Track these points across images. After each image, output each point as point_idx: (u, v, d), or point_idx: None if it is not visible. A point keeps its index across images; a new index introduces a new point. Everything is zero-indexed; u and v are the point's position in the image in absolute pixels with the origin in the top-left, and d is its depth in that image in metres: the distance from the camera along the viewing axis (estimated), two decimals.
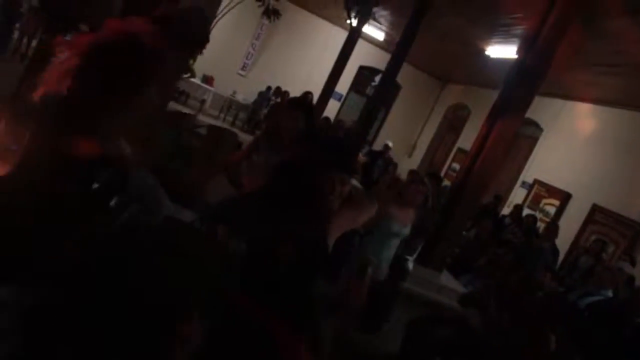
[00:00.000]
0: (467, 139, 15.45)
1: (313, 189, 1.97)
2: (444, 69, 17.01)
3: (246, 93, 15.83)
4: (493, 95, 7.41)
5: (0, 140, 2.64)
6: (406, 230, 4.58)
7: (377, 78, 17.56)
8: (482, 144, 6.52)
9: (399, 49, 10.69)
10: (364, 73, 17.81)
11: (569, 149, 11.44)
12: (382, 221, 4.35)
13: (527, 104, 6.56)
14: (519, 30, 8.98)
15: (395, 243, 4.59)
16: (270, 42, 16.56)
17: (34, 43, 10.82)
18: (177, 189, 4.66)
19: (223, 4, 8.90)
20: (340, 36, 14.48)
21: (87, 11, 5.99)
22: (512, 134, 6.81)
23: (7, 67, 10.03)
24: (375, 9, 12.60)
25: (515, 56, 7.30)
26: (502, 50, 10.55)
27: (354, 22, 13.24)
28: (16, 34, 11.54)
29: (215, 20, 8.11)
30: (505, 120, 6.47)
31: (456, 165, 15.48)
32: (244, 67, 16.63)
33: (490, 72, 12.26)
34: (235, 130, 10.64)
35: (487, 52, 11.25)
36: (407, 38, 10.38)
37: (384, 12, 12.97)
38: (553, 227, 9.05)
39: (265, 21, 15.43)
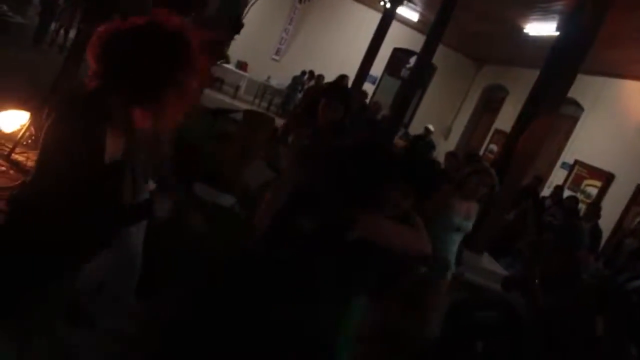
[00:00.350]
0: (505, 120, 15.16)
1: (378, 187, 2.02)
2: (480, 50, 16.67)
3: (280, 78, 15.81)
4: (531, 75, 7.22)
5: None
6: (468, 225, 4.17)
7: (412, 60, 17.32)
8: (523, 125, 6.37)
9: (434, 29, 10.51)
10: (398, 55, 17.58)
11: (612, 128, 11.10)
12: (442, 214, 3.97)
13: (568, 84, 6.38)
14: (559, 6, 8.72)
15: (458, 238, 4.18)
16: (304, 26, 16.48)
17: (71, 34, 11.01)
18: (216, 173, 4.68)
19: None
20: (373, 18, 14.32)
21: (122, 3, 6.06)
22: (553, 114, 6.63)
23: (46, 58, 10.23)
24: None
25: (556, 33, 7.10)
26: (541, 28, 10.28)
27: (388, 4, 13.07)
28: (53, 26, 11.73)
29: (248, 6, 8.10)
30: (546, 100, 6.31)
31: (494, 147, 15.23)
32: (277, 52, 16.61)
33: (528, 51, 11.96)
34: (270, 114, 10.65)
35: (525, 30, 10.98)
36: (442, 18, 10.20)
37: None
38: (595, 208, 8.83)
39: (298, 5, 15.36)
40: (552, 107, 6.39)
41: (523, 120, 6.42)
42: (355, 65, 13.63)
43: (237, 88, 15.13)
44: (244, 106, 12.37)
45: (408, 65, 17.42)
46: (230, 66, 14.76)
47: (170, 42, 1.85)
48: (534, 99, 6.43)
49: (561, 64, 6.24)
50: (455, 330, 4.05)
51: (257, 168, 5.02)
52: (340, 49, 16.29)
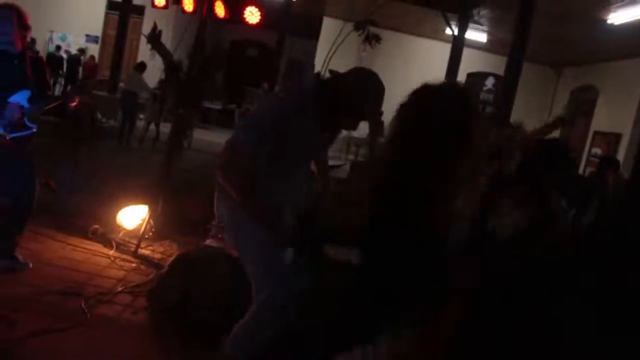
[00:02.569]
0: (602, 120, 14.31)
1: None
2: (557, 54, 15.98)
3: (362, 127, 15.69)
4: (622, 67, 6.66)
5: None
6: None
7: (488, 81, 16.86)
8: None
9: (514, 46, 10.09)
10: (473, 80, 17.17)
11: None
12: None
13: None
14: None
15: None
16: (373, 70, 16.44)
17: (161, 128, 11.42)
18: (338, 231, 4.46)
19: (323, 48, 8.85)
20: (440, 49, 14.11)
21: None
22: None
23: (141, 154, 10.62)
24: (473, 11, 12.16)
25: None
26: (627, 14, 9.67)
27: (455, 30, 12.83)
28: (140, 123, 12.19)
29: (325, 65, 8.07)
30: None
31: (597, 150, 14.32)
32: None
33: (614, 42, 11.29)
34: None
35: (609, 21, 10.38)
36: (520, 32, 9.80)
37: (484, 12, 12.46)
38: None
39: (364, 53, 15.39)
40: None
41: None
42: None
43: None
44: (332, 162, 12.29)
45: (485, 88, 16.97)
46: None
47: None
48: None
49: None
50: None
51: None
52: (413, 84, 16.06)
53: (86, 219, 5.33)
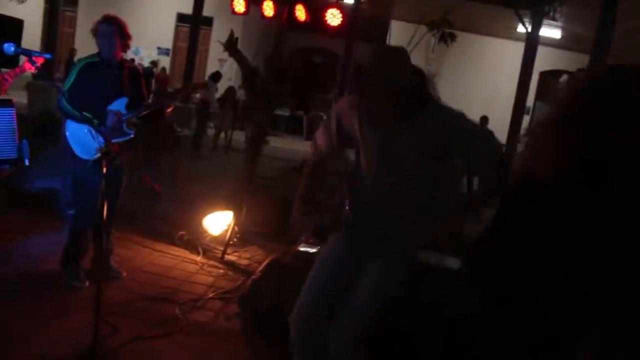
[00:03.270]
0: None
1: None
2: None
3: None
4: None
5: None
6: None
7: (563, 80, 16.25)
8: None
9: (597, 42, 9.62)
10: (547, 78, 16.60)
11: None
12: None
13: None
14: None
15: None
16: (442, 74, 16.18)
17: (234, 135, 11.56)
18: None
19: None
20: (511, 48, 13.70)
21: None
22: None
23: (214, 161, 10.77)
24: (549, 7, 11.72)
25: None
26: None
27: (529, 27, 12.42)
28: (209, 132, 12.39)
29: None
30: None
31: None
32: None
33: None
34: None
35: None
36: (605, 25, 9.33)
37: (561, 7, 11.99)
38: None
39: (432, 55, 15.18)
40: None
41: None
42: (501, 100, 12.97)
43: None
44: None
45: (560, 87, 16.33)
46: None
47: None
48: None
49: None
50: None
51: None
52: (483, 86, 15.73)
53: (171, 225, 5.39)
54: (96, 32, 3.61)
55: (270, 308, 3.67)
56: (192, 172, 8.22)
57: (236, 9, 5.14)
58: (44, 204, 5.31)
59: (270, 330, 3.54)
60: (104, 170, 2.56)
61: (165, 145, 6.31)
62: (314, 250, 3.69)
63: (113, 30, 3.60)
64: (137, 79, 3.82)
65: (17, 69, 3.23)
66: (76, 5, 18.19)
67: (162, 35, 18.27)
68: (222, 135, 12.37)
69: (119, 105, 3.57)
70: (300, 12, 4.83)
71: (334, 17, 4.82)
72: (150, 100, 4.18)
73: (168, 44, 18.49)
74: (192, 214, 5.48)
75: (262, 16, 5.07)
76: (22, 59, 3.19)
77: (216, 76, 11.74)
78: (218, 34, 18.11)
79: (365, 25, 16.07)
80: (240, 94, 14.83)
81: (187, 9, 14.91)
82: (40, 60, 3.05)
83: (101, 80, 3.57)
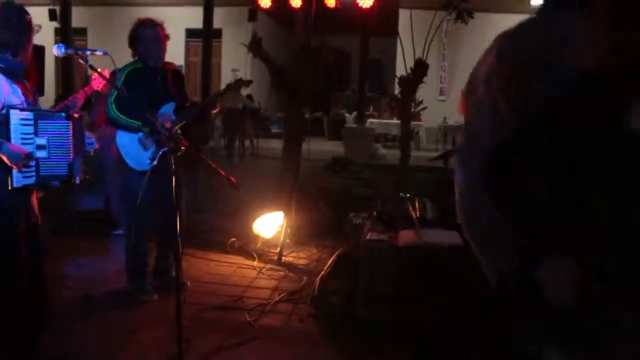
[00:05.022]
0: None
1: None
2: None
3: (456, 115, 15.21)
4: None
5: None
6: None
7: None
8: None
9: None
10: None
11: None
12: None
13: None
14: None
15: None
16: (457, 57, 15.93)
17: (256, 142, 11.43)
18: None
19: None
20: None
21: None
22: None
23: (246, 166, 10.65)
24: None
25: None
26: None
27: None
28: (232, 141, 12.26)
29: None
30: None
31: None
32: (441, 92, 16.15)
33: None
34: None
35: None
36: None
37: None
38: None
39: (444, 39, 14.94)
40: None
41: None
42: None
43: (418, 139, 14.76)
44: (430, 154, 11.90)
45: None
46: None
47: None
48: None
49: None
50: None
51: None
52: None
53: (219, 233, 5.26)
54: (138, 37, 3.47)
55: (345, 303, 3.50)
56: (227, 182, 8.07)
57: (262, 4, 4.98)
58: (90, 226, 5.22)
59: (349, 326, 3.37)
60: (173, 166, 2.38)
61: (202, 160, 6.16)
62: (383, 237, 3.51)
63: (160, 34, 3.46)
64: (180, 82, 3.68)
65: (86, 88, 3.09)
66: (85, 34, 18.25)
67: (173, 52, 17.95)
68: (247, 143, 12.26)
69: (166, 110, 3.41)
70: None
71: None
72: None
73: (180, 60, 18.41)
74: (238, 221, 5.33)
75: (290, 7, 4.89)
76: (90, 77, 3.08)
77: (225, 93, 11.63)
78: (228, 45, 18.10)
79: (373, 19, 15.90)
80: (259, 100, 14.81)
81: (196, 23, 14.85)
82: (105, 74, 2.89)
83: (147, 86, 3.41)
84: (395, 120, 15.65)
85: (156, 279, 3.90)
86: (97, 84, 3.05)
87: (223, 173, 2.56)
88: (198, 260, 4.68)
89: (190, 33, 17.68)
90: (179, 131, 3.48)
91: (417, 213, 3.91)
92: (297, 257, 4.84)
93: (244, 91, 12.96)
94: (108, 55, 2.66)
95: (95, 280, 4.08)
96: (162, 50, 3.49)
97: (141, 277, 3.75)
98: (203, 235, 5.26)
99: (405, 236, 3.49)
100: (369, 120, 15.45)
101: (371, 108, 17.50)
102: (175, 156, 2.37)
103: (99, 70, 2.67)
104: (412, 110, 11.53)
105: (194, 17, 15.00)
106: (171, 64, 3.77)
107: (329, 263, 3.80)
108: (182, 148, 2.37)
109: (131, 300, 3.71)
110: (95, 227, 5.28)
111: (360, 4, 4.66)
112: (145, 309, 3.62)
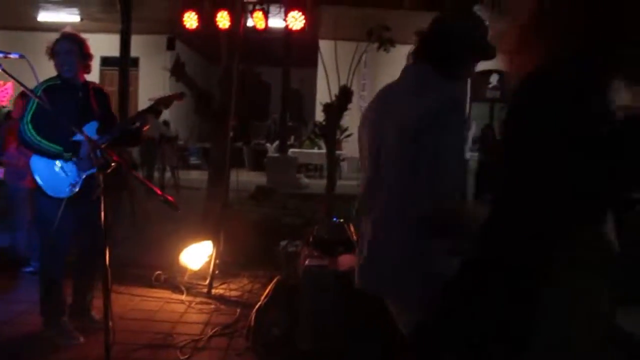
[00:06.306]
0: None
1: None
2: None
3: None
4: None
5: None
6: None
7: (493, 79, 16.69)
8: None
9: None
10: (479, 78, 16.96)
11: None
12: None
13: None
14: None
15: None
16: (375, 89, 16.24)
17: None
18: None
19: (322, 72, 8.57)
20: None
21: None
22: None
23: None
24: None
25: None
26: None
27: None
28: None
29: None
30: None
31: None
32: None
33: None
34: None
35: None
36: None
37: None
38: None
39: (365, 68, 15.19)
40: None
41: None
42: None
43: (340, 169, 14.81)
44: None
45: (491, 86, 16.75)
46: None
47: None
48: None
49: None
50: None
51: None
52: None
53: (144, 267, 4.91)
54: (54, 51, 3.19)
55: (286, 334, 3.30)
56: (149, 213, 7.70)
57: (187, 25, 4.78)
58: None
59: (291, 358, 3.18)
60: (101, 185, 2.13)
61: (126, 185, 5.82)
62: (324, 263, 3.36)
63: (74, 48, 3.20)
64: (104, 100, 3.41)
65: None
66: None
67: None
68: (168, 174, 11.82)
69: (89, 130, 3.11)
70: (259, 20, 4.54)
71: (295, 21, 4.55)
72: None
73: None
74: (164, 252, 5.02)
75: (217, 29, 4.72)
76: None
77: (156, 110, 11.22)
78: (145, 74, 17.61)
79: (293, 49, 15.99)
80: (177, 129, 14.42)
81: (111, 51, 14.35)
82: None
83: (66, 103, 3.11)
84: (316, 150, 15.73)
85: (75, 318, 3.53)
86: (3, 96, 2.76)
87: (159, 192, 2.33)
88: (121, 296, 4.33)
89: (106, 61, 17.09)
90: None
91: (355, 237, 3.81)
92: (228, 288, 4.60)
93: (163, 115, 12.58)
94: (25, 59, 2.37)
95: (5, 324, 3.67)
96: (77, 63, 3.23)
97: (60, 318, 3.38)
98: (125, 268, 4.89)
99: (346, 261, 3.36)
100: (291, 149, 15.41)
101: (292, 138, 17.48)
102: (105, 175, 2.13)
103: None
104: (338, 137, 11.62)
105: (110, 45, 14.51)
106: (94, 82, 3.50)
107: (265, 293, 3.59)
108: (112, 165, 2.13)
109: (50, 345, 3.32)
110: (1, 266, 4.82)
111: (290, 26, 4.55)
112: (67, 354, 3.25)
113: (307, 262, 3.38)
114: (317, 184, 12.66)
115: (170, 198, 2.29)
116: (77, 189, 3.09)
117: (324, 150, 12.67)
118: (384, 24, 9.92)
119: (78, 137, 3.07)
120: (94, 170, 3.09)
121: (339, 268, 3.28)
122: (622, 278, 1.32)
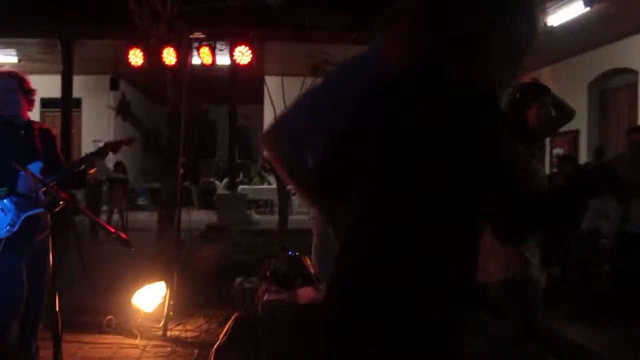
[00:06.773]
0: None
1: None
2: None
3: None
4: None
5: None
6: None
7: None
8: None
9: None
10: None
11: None
12: None
13: None
14: None
15: None
16: None
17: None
18: None
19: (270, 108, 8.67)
20: None
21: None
22: None
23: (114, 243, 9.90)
24: None
25: None
26: None
27: None
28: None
29: None
30: None
31: (559, 150, 14.47)
32: None
33: None
34: None
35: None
36: None
37: None
38: None
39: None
40: None
41: None
42: None
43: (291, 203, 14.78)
44: None
45: None
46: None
47: None
48: None
49: None
50: None
51: None
52: None
53: (92, 312, 4.71)
54: None
55: None
56: (96, 257, 7.44)
57: (132, 62, 4.72)
58: None
59: None
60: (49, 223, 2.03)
61: (73, 228, 5.62)
62: (282, 296, 3.30)
63: (12, 85, 3.08)
64: (50, 141, 3.28)
65: None
66: None
67: None
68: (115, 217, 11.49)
69: (32, 170, 2.98)
70: (206, 55, 4.52)
71: (242, 56, 4.56)
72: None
73: None
74: (114, 297, 4.83)
75: (163, 65, 4.67)
76: None
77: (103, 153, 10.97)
78: (88, 115, 17.24)
79: (238, 86, 16.00)
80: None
81: (52, 93, 14.00)
82: None
83: (7, 142, 2.99)
84: (266, 186, 15.66)
85: None
86: None
87: (112, 229, 2.25)
88: (69, 345, 4.11)
89: (47, 103, 16.64)
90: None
91: (312, 270, 3.77)
92: (184, 329, 4.46)
93: (117, 157, 12.31)
94: None
95: None
96: (16, 100, 3.11)
97: None
98: (73, 315, 4.68)
99: (305, 294, 3.31)
100: (240, 186, 15.30)
101: (241, 174, 17.36)
102: (52, 213, 2.03)
103: None
104: None
105: (50, 86, 14.16)
106: (41, 122, 3.38)
107: (224, 331, 3.50)
108: (61, 203, 2.03)
109: None
110: None
111: (238, 61, 4.56)
112: None
113: (265, 296, 3.31)
114: (268, 220, 12.57)
115: (124, 236, 2.20)
116: (15, 229, 2.94)
117: (273, 186, 12.66)
118: (326, 59, 10.10)
119: (22, 176, 2.94)
120: (36, 211, 2.96)
121: (299, 301, 3.22)
122: None
